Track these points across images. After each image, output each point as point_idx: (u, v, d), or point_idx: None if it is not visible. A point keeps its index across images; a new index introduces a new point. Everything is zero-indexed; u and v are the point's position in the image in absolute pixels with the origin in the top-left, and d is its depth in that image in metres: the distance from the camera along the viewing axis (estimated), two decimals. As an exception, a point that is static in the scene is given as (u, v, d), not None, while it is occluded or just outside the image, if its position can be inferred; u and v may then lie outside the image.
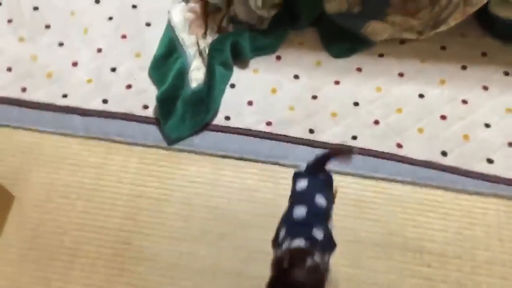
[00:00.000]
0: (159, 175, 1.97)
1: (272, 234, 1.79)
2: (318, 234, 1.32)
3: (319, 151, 1.94)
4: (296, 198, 1.44)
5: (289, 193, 1.89)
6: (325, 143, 2.00)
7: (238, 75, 2.21)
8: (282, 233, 1.36)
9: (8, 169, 1.98)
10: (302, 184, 1.45)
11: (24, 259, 1.79)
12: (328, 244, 1.37)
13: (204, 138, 2.04)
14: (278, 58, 2.25)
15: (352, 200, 1.90)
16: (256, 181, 1.96)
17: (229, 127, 2.06)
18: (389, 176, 1.93)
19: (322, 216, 1.38)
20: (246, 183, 1.95)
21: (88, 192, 1.93)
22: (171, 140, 2.02)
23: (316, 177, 1.46)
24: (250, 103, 2.12)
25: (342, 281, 1.72)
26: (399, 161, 1.96)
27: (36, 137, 2.05)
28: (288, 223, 1.38)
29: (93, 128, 2.06)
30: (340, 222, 1.83)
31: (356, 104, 2.10)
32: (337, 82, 2.16)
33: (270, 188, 1.94)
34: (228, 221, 1.86)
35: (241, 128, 2.05)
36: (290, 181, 1.92)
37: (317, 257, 1.23)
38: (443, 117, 2.05)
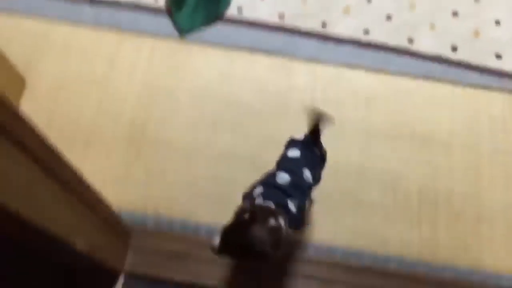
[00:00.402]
0: (172, 65, 1.97)
1: (283, 124, 1.86)
2: (292, 207, 1.26)
3: (331, 45, 1.97)
4: (284, 163, 1.37)
5: (300, 85, 1.95)
6: (338, 38, 2.01)
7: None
8: (258, 190, 1.29)
9: (18, 57, 1.95)
10: (295, 153, 1.38)
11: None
12: (298, 221, 1.29)
13: (217, 31, 2.03)
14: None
15: (362, 94, 1.94)
16: (268, 73, 1.97)
17: (242, 19, 2.04)
18: (400, 70, 1.96)
19: (302, 191, 1.32)
20: (258, 75, 1.97)
21: (101, 81, 1.93)
22: (183, 31, 2.00)
23: (311, 151, 1.40)
24: (262, -6, 2.09)
25: (351, 171, 1.79)
26: (410, 55, 1.99)
27: (45, 26, 2.01)
28: (267, 185, 1.31)
29: (104, 18, 2.03)
30: (351, 114, 1.89)
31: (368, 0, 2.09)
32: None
33: (282, 80, 1.96)
34: (241, 110, 1.89)
35: (253, 20, 2.04)
36: (301, 74, 1.97)
37: (281, 223, 1.17)
38: (455, 14, 2.06)
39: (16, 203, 0.79)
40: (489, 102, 1.92)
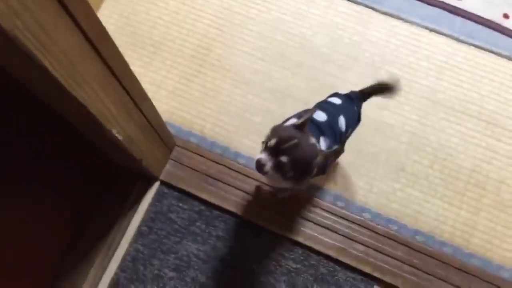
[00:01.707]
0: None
1: (347, 74, 1.81)
2: (323, 144, 1.23)
3: (418, 4, 1.86)
4: (323, 105, 1.35)
5: (375, 39, 1.87)
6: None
7: None
8: (292, 121, 1.23)
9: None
10: (337, 100, 1.36)
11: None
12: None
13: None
14: None
15: (438, 60, 1.84)
16: (345, 21, 1.91)
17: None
18: (485, 45, 1.83)
19: (334, 134, 1.28)
20: (335, 21, 1.91)
21: (180, -6, 1.96)
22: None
23: (352, 105, 1.37)
24: None
25: (406, 132, 1.72)
26: (500, 32, 1.84)
27: None
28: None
29: None
30: (420, 80, 1.80)
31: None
32: None
33: (358, 31, 1.89)
34: (308, 51, 1.85)
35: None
36: (379, 28, 1.89)
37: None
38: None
39: (60, 70, 0.83)
40: None
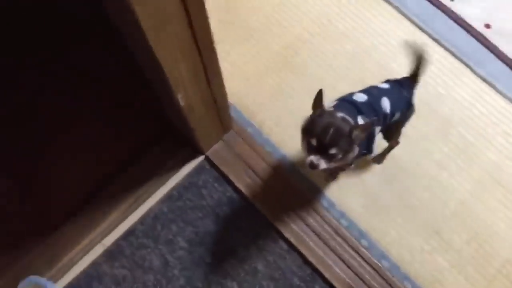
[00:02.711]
0: (358, 13, 1.96)
1: (419, 123, 1.76)
2: (361, 121, 1.26)
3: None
4: (368, 89, 1.38)
5: (460, 99, 1.82)
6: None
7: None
8: (331, 104, 1.32)
9: None
10: (384, 85, 1.39)
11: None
12: (365, 142, 1.31)
13: (418, 3, 1.97)
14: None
15: (502, 131, 1.78)
16: (436, 69, 1.85)
17: (447, 6, 1.95)
18: None
19: (376, 115, 1.30)
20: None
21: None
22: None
23: (399, 90, 1.38)
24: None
25: (455, 199, 1.66)
26: None
27: None
28: (342, 99, 1.34)
29: None
30: (491, 152, 1.74)
31: None
32: None
33: (446, 84, 1.84)
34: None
35: (457, 14, 1.94)
36: (469, 89, 1.83)
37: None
38: None
39: (149, 22, 0.88)
40: None
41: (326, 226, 1.61)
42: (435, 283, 1.56)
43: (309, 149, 1.23)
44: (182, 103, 1.24)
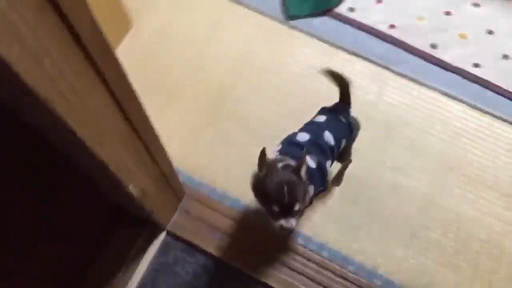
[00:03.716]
0: (272, 46, 1.97)
1: (366, 135, 1.79)
2: (311, 162, 1.27)
3: (435, 69, 1.87)
4: (306, 127, 1.40)
5: (390, 100, 1.87)
6: (443, 61, 1.90)
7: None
8: (275, 148, 1.34)
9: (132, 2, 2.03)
10: (321, 118, 1.40)
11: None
12: (319, 179, 1.31)
13: (323, 23, 2.00)
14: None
15: (453, 126, 1.83)
16: (360, 79, 1.91)
17: (351, 19, 2.00)
18: (502, 115, 1.83)
19: (322, 150, 1.32)
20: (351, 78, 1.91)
21: (201, 40, 1.98)
22: (290, 16, 1.99)
23: (336, 118, 1.40)
24: (379, 0, 2.02)
25: (417, 197, 1.70)
26: (517, 102, 1.85)
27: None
28: (286, 142, 1.35)
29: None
30: (434, 142, 1.79)
31: (490, 32, 1.95)
32: (476, 5, 2.00)
33: (374, 91, 1.89)
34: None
35: (362, 23, 1.98)
36: (396, 89, 1.89)
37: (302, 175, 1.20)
38: None
39: (86, 131, 0.82)
40: None
41: (309, 263, 1.57)
42: (429, 285, 1.57)
43: (273, 215, 1.20)
44: (134, 192, 1.16)
